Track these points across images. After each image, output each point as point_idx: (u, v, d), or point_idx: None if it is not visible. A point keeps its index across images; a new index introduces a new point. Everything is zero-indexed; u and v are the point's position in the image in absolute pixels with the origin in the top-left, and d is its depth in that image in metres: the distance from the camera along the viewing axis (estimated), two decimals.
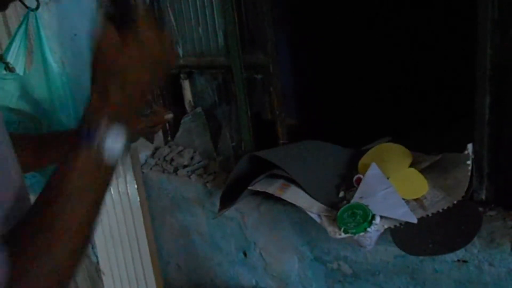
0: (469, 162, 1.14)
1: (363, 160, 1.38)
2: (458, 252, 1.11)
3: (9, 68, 1.74)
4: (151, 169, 1.82)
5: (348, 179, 1.35)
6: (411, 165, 1.30)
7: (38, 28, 1.65)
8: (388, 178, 1.26)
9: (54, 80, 1.79)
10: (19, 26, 1.69)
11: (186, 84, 1.79)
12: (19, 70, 1.77)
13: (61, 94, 1.79)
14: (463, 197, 1.15)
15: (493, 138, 1.12)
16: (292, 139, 1.57)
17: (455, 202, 1.15)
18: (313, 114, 2.06)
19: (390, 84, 1.98)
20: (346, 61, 2.06)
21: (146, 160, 1.86)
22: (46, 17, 1.74)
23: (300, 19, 2.04)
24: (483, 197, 1.17)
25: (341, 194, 1.32)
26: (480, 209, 1.16)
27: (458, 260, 1.12)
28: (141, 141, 1.87)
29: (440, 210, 1.15)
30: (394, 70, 2.01)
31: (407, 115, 1.75)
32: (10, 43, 1.75)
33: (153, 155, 1.87)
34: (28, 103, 1.76)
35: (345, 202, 1.27)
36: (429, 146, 1.35)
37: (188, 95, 1.81)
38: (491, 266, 1.08)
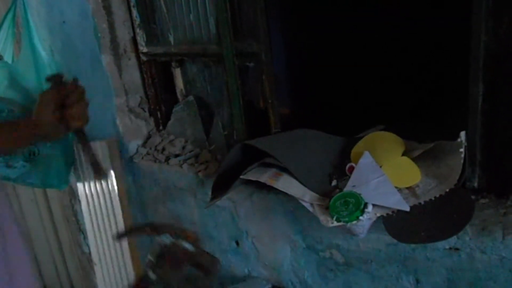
0: (462, 150, 1.14)
1: (356, 148, 1.37)
2: (450, 240, 1.11)
3: None
4: (142, 158, 1.80)
5: (341, 168, 1.35)
6: (404, 154, 1.30)
7: (26, 15, 1.62)
8: (380, 167, 1.26)
9: (44, 69, 1.77)
10: (7, 13, 1.65)
11: (177, 72, 1.77)
12: (7, 58, 1.74)
13: None
14: (455, 185, 1.14)
15: (486, 126, 1.12)
16: (285, 127, 1.56)
17: (447, 190, 1.15)
18: (306, 103, 2.05)
19: (384, 72, 1.97)
20: (339, 49, 2.04)
21: (137, 150, 1.84)
22: (34, 4, 1.71)
23: (293, 7, 2.02)
24: (476, 185, 1.17)
25: (334, 182, 1.32)
26: (473, 197, 1.16)
27: (450, 248, 1.13)
28: (131, 129, 1.85)
29: (433, 198, 1.15)
30: (387, 58, 1.99)
31: (400, 104, 1.74)
32: None
33: (144, 144, 1.85)
34: (17, 91, 1.74)
35: (337, 190, 1.26)
36: (422, 135, 1.35)
37: (179, 83, 1.79)
38: (483, 253, 1.08)
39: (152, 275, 0.86)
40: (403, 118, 1.47)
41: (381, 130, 1.44)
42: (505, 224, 1.06)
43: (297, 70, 2.07)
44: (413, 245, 1.18)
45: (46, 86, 1.42)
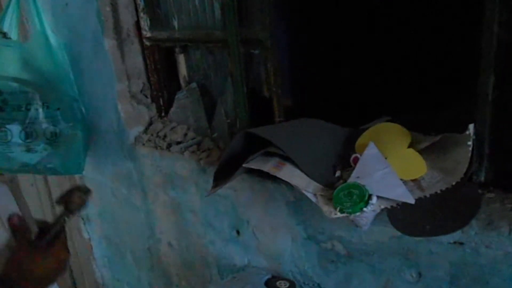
0: (470, 143, 1.11)
1: (361, 139, 1.35)
2: (454, 234, 1.09)
3: (5, 38, 1.71)
4: (143, 145, 1.78)
5: (345, 159, 1.32)
6: (410, 146, 1.27)
7: None
8: (386, 158, 1.24)
9: (55, 50, 1.77)
10: None
11: (181, 58, 1.74)
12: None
13: (62, 64, 1.78)
14: (462, 178, 1.12)
15: (496, 118, 1.09)
16: (288, 117, 1.53)
17: (453, 183, 1.12)
18: (310, 94, 2.03)
19: (390, 63, 1.94)
20: (344, 39, 2.01)
21: (138, 136, 1.82)
22: None
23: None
24: (482, 179, 1.15)
25: (338, 173, 1.29)
26: (479, 191, 1.14)
27: (455, 242, 1.11)
28: (133, 116, 1.83)
29: (438, 191, 1.13)
30: (395, 48, 1.96)
31: (407, 95, 1.71)
32: (5, 13, 1.72)
33: (146, 131, 1.83)
34: (30, 73, 1.76)
35: (341, 181, 1.24)
36: (429, 126, 1.32)
37: (183, 69, 1.76)
38: (488, 248, 1.06)
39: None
40: (410, 110, 1.45)
41: (387, 121, 1.41)
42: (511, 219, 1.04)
43: (302, 61, 2.04)
44: (417, 238, 1.16)
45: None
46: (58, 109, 1.82)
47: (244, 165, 1.31)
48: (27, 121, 1.80)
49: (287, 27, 1.97)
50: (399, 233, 1.14)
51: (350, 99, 1.87)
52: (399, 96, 1.69)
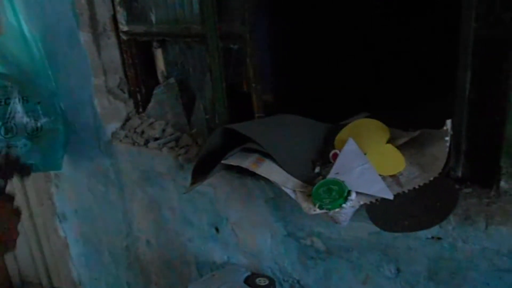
0: (447, 138, 1.12)
1: (340, 135, 1.34)
2: (432, 229, 1.10)
3: None
4: (120, 141, 1.75)
5: (325, 155, 1.32)
6: (388, 141, 1.27)
7: None
8: (365, 154, 1.23)
9: (30, 44, 1.73)
10: None
11: (158, 53, 1.71)
12: None
13: (38, 58, 1.74)
14: (439, 174, 1.13)
15: (473, 114, 1.10)
16: (268, 113, 1.52)
17: (431, 179, 1.13)
18: (290, 90, 2.02)
19: (370, 59, 1.95)
20: (325, 35, 2.00)
21: (115, 132, 1.78)
22: None
23: None
24: (460, 174, 1.16)
25: (317, 169, 1.29)
26: (456, 186, 1.14)
27: (432, 237, 1.11)
28: (110, 111, 1.79)
29: (416, 187, 1.13)
30: (374, 46, 1.97)
31: (386, 91, 1.72)
32: None
33: (123, 126, 1.79)
34: (6, 66, 1.72)
35: (320, 177, 1.24)
36: (407, 122, 1.33)
37: (160, 64, 1.73)
38: (465, 243, 1.07)
39: None
40: (389, 106, 1.45)
41: (366, 117, 1.41)
42: (488, 214, 1.04)
43: (282, 57, 2.02)
44: (395, 234, 1.16)
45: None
46: (39, 103, 1.77)
47: (222, 161, 1.30)
48: (6, 116, 1.75)
49: (268, 22, 1.96)
50: (378, 229, 1.14)
51: (331, 95, 1.86)
52: (380, 93, 1.70)
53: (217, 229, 1.59)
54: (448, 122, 1.12)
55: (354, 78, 1.98)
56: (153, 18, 1.63)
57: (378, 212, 1.12)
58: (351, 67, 2.01)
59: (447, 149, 1.13)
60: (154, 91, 1.75)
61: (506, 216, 1.03)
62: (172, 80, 1.70)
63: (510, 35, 1.00)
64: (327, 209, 1.12)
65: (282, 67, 2.03)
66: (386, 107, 1.45)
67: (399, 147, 1.24)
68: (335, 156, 1.27)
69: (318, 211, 1.13)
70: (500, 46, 1.02)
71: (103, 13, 1.70)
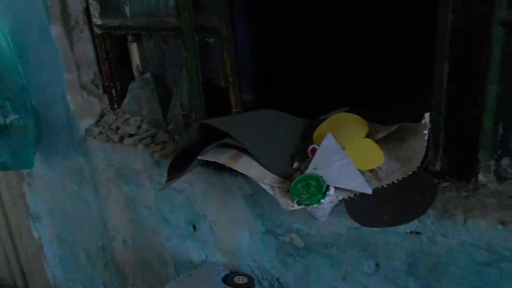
0: (425, 132, 1.11)
1: (319, 130, 1.32)
2: (411, 223, 1.08)
3: None
4: (94, 137, 1.70)
5: (303, 150, 1.30)
6: (367, 136, 1.26)
7: None
8: (343, 149, 1.22)
9: None
10: None
11: (133, 47, 1.67)
12: None
13: (7, 52, 1.67)
14: (418, 168, 1.12)
15: (451, 107, 1.09)
16: (246, 108, 1.49)
17: (410, 173, 1.12)
18: (270, 88, 1.99)
19: (349, 55, 1.93)
20: (304, 33, 1.99)
21: (89, 129, 1.73)
22: None
23: None
24: (438, 168, 1.15)
25: (295, 165, 1.27)
26: (435, 180, 1.13)
27: (411, 232, 1.10)
28: (83, 107, 1.74)
29: (395, 181, 1.12)
30: (353, 40, 1.96)
31: (366, 86, 1.71)
32: None
33: (97, 123, 1.74)
34: None
35: (299, 173, 1.22)
36: (386, 117, 1.31)
37: (136, 59, 1.69)
38: (444, 237, 1.06)
39: None
40: (368, 101, 1.44)
41: (345, 112, 1.40)
42: (467, 208, 1.04)
43: (262, 54, 2.00)
44: (374, 229, 1.15)
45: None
46: (7, 99, 1.71)
47: (198, 157, 1.26)
48: None
49: (249, 20, 1.93)
50: (356, 225, 1.13)
51: (312, 92, 1.85)
52: (358, 88, 1.69)
53: (194, 227, 1.56)
54: (427, 116, 1.11)
55: (334, 75, 1.97)
56: (127, 11, 1.59)
57: (357, 207, 1.10)
58: (331, 63, 2.00)
59: (426, 143, 1.12)
60: (129, 87, 1.71)
61: (484, 209, 1.02)
62: (147, 75, 1.66)
63: (487, 28, 0.99)
64: (305, 204, 1.10)
65: (263, 65, 2.01)
66: (366, 101, 1.44)
67: (378, 142, 1.23)
68: (314, 151, 1.24)
69: (296, 206, 1.11)
70: (477, 39, 1.02)
71: (75, 6, 1.64)
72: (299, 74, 1.94)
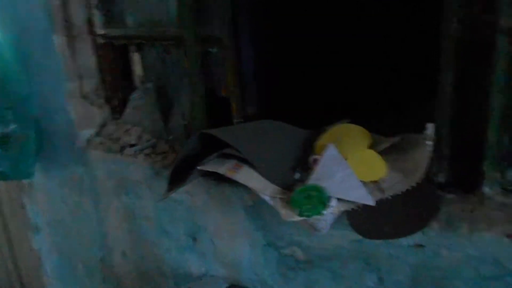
0: (429, 143, 1.09)
1: (321, 141, 1.30)
2: (415, 236, 1.06)
3: None
4: (95, 148, 1.68)
5: (305, 161, 1.28)
6: (370, 147, 1.24)
7: None
8: (346, 160, 1.20)
9: (2, 45, 1.67)
10: None
11: (136, 57, 1.67)
12: None
13: (10, 60, 1.68)
14: (421, 179, 1.10)
15: (455, 118, 1.07)
16: (248, 118, 1.48)
17: (414, 184, 1.10)
18: (277, 101, 1.98)
19: (352, 67, 1.93)
20: (307, 45, 1.98)
21: (90, 139, 1.72)
22: None
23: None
24: (443, 179, 1.13)
25: (297, 175, 1.24)
26: (439, 192, 1.11)
27: (415, 245, 1.08)
28: (84, 117, 1.73)
29: (399, 193, 1.10)
30: (355, 53, 1.95)
31: (369, 98, 1.70)
32: None
33: (98, 133, 1.73)
34: None
35: (300, 184, 1.19)
36: (390, 128, 1.30)
37: (137, 69, 1.68)
38: (449, 250, 1.04)
39: None
40: (371, 113, 1.42)
41: (347, 123, 1.38)
42: (472, 221, 1.01)
43: (266, 66, 1.99)
44: (377, 242, 1.12)
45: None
46: (9, 108, 1.70)
47: (198, 167, 1.25)
48: None
49: (255, 33, 1.93)
50: (359, 237, 1.11)
51: (316, 104, 1.83)
52: (361, 100, 1.67)
53: (194, 239, 1.53)
54: (430, 126, 1.10)
55: (338, 87, 1.96)
56: (130, 21, 1.59)
57: (359, 219, 1.08)
58: (334, 77, 2.00)
59: (429, 154, 1.10)
60: (131, 97, 1.70)
61: (489, 222, 1.00)
62: (149, 85, 1.66)
63: (491, 38, 0.98)
64: (306, 216, 1.08)
65: (268, 78, 2.00)
66: (369, 113, 1.43)
67: (381, 153, 1.21)
68: (316, 161, 1.22)
69: (297, 218, 1.09)
70: (481, 48, 1.00)
71: (78, 16, 1.65)
72: (304, 85, 1.93)
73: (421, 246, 1.07)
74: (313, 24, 2.00)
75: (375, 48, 1.97)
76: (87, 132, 1.74)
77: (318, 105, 1.78)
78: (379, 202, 1.08)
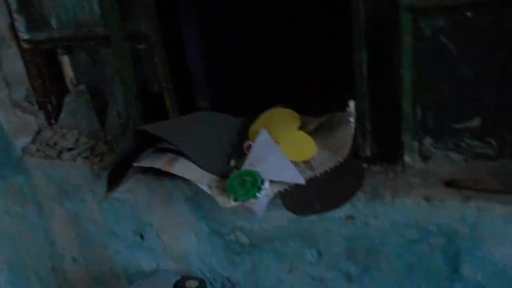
0: (351, 119, 1.14)
1: (254, 127, 1.34)
2: (344, 208, 1.11)
3: None
4: (32, 155, 1.65)
5: (240, 148, 1.31)
6: (300, 128, 1.29)
7: None
8: (278, 143, 1.24)
9: None
10: None
11: (65, 60, 1.64)
12: None
13: None
14: (348, 155, 1.15)
15: (373, 94, 1.13)
16: (183, 112, 1.49)
17: (341, 160, 1.15)
18: (226, 94, 2.00)
19: (282, 55, 1.97)
20: (239, 40, 2.01)
21: (26, 147, 1.68)
22: None
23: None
24: (368, 153, 1.19)
25: (232, 163, 1.28)
26: (365, 165, 1.17)
27: (346, 216, 1.13)
28: (18, 126, 1.69)
29: (328, 170, 1.15)
30: (281, 41, 2.00)
31: (303, 82, 1.74)
32: None
33: (34, 140, 1.69)
34: None
35: (236, 170, 1.23)
36: (320, 109, 1.34)
37: (68, 72, 1.65)
38: (376, 219, 1.10)
39: None
40: (305, 95, 1.46)
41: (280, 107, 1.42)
42: (394, 188, 1.08)
43: (215, 60, 2.00)
44: (312, 218, 1.17)
45: None
46: None
47: (134, 164, 1.25)
48: None
49: (201, 28, 1.93)
50: (295, 216, 1.15)
51: (259, 93, 1.86)
52: (294, 84, 1.72)
53: (142, 236, 1.54)
54: (351, 104, 1.15)
55: (271, 76, 1.99)
56: (54, 24, 1.56)
57: (291, 198, 1.12)
58: (267, 66, 2.03)
59: (353, 130, 1.16)
60: (65, 100, 1.67)
61: (409, 188, 1.07)
62: (82, 87, 1.63)
63: (395, 15, 1.03)
64: (242, 200, 1.12)
65: (217, 72, 2.02)
66: (302, 96, 1.47)
67: (310, 133, 1.26)
68: (249, 147, 1.26)
69: (233, 203, 1.12)
70: (389, 27, 1.06)
71: (0, 22, 1.60)
72: (246, 76, 1.96)
73: (351, 217, 1.13)
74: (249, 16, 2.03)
75: (304, 36, 2.03)
76: (23, 141, 1.69)
77: (260, 94, 1.81)
78: (309, 180, 1.13)
